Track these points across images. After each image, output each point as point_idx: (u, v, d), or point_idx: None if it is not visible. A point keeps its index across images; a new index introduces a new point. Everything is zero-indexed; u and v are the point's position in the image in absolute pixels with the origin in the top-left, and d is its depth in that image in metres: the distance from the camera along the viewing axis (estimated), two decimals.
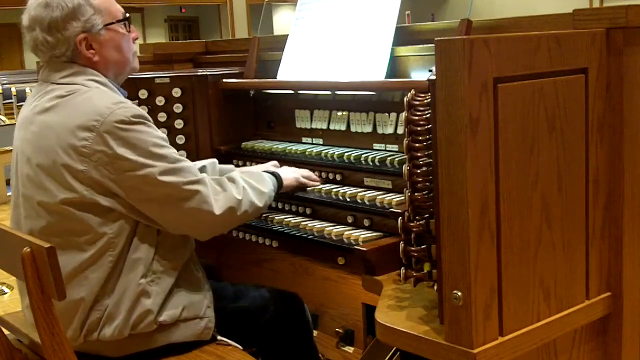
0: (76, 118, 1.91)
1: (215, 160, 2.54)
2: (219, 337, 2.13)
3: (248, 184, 2.14)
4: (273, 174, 2.32)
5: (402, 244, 1.74)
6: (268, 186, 2.22)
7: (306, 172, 2.46)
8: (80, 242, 1.93)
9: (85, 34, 2.01)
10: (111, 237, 1.94)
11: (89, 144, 1.89)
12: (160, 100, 2.80)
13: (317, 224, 2.32)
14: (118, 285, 1.96)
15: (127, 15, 2.13)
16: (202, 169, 2.44)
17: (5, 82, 13.42)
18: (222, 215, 2.02)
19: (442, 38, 1.48)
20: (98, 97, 1.96)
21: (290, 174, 2.39)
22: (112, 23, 2.07)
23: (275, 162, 2.60)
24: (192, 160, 2.70)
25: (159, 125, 2.78)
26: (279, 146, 2.68)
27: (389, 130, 2.41)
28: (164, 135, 2.01)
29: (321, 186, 2.40)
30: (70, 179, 1.90)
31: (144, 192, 1.93)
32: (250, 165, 2.70)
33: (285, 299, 2.34)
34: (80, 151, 1.89)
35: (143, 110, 1.97)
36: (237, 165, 2.79)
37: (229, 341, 2.13)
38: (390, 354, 2.17)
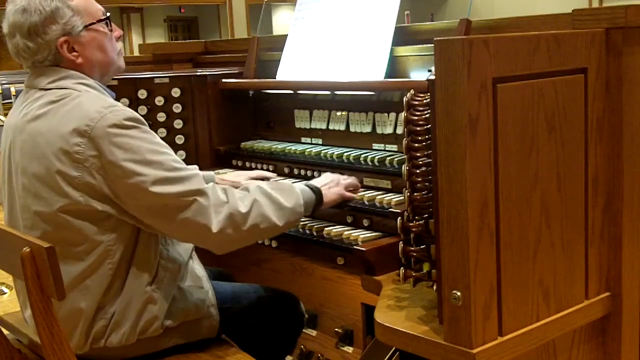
0: (67, 123, 1.86)
1: (212, 174, 2.48)
2: (222, 336, 2.13)
3: (266, 195, 1.98)
4: (312, 188, 2.13)
5: (401, 244, 1.74)
6: (293, 201, 2.02)
7: (349, 180, 2.28)
8: (78, 252, 1.91)
9: (65, 37, 1.96)
10: (109, 245, 1.90)
11: (81, 149, 1.84)
12: (159, 100, 2.80)
13: (317, 224, 2.32)
14: (123, 293, 1.94)
15: (108, 14, 2.08)
16: None
17: (4, 82, 13.37)
18: (221, 232, 1.89)
19: (441, 38, 1.48)
20: (89, 102, 1.90)
21: (333, 190, 2.20)
22: (93, 23, 2.01)
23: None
24: (192, 161, 2.71)
25: (158, 125, 2.79)
26: (278, 146, 2.68)
27: (388, 130, 2.41)
28: (161, 141, 1.93)
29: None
30: (65, 185, 1.86)
31: (138, 199, 1.87)
32: (250, 164, 2.70)
33: (281, 299, 2.34)
34: (73, 157, 1.85)
35: (137, 114, 1.92)
36: (236, 165, 2.79)
37: (229, 340, 2.13)
38: (390, 354, 2.17)
